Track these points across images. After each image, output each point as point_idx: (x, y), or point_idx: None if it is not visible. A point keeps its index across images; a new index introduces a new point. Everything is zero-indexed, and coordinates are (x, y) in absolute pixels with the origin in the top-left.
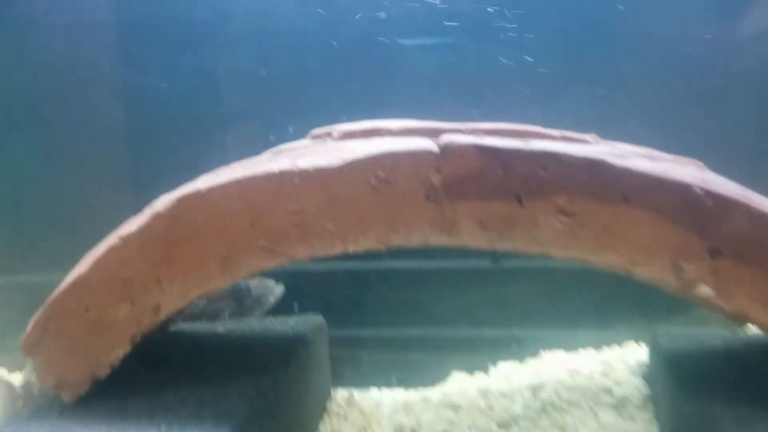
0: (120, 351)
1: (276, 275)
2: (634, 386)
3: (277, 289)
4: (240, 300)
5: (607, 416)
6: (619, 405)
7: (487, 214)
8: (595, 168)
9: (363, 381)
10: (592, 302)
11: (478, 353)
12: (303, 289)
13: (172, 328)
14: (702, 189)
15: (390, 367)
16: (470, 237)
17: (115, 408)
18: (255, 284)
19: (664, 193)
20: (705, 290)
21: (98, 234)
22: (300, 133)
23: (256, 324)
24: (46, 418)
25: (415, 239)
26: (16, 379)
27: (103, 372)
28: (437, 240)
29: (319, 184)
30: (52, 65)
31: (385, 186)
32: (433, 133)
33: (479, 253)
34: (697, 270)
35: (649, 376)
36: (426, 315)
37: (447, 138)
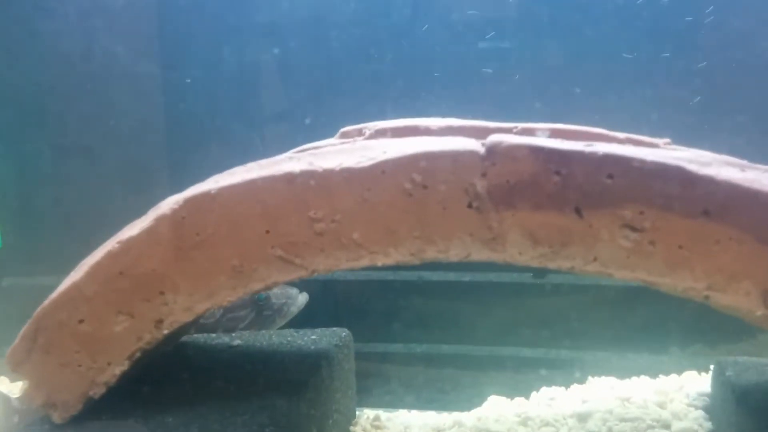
0: (117, 369)
1: (300, 283)
2: (694, 420)
3: (300, 298)
4: (259, 310)
5: None
6: None
7: (539, 226)
8: (671, 176)
9: (392, 401)
10: (646, 323)
11: (518, 376)
12: (329, 299)
13: (185, 338)
14: None
15: (422, 387)
16: (519, 252)
17: (109, 430)
18: (276, 293)
19: (755, 207)
20: None
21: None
22: (330, 131)
23: (275, 337)
24: None
25: (454, 253)
26: (17, 389)
27: (98, 391)
28: (480, 255)
29: (345, 187)
30: (64, 56)
31: (421, 191)
32: (479, 133)
33: (522, 266)
34: None
35: (712, 409)
36: (463, 331)
37: (495, 138)
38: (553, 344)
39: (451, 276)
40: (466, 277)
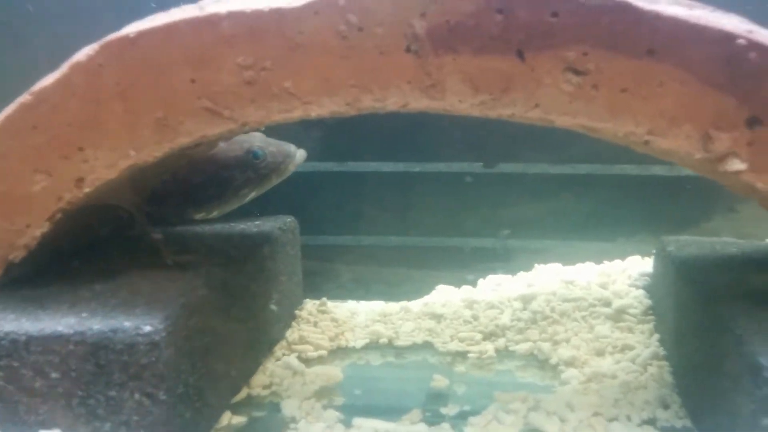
0: (36, 230)
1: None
2: (634, 298)
3: (298, 155)
4: (255, 168)
5: (603, 328)
6: (617, 317)
7: (480, 71)
8: (617, 12)
9: (340, 294)
10: (593, 214)
11: (466, 265)
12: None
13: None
14: (747, 40)
15: (370, 281)
16: (458, 100)
17: (33, 296)
18: (272, 150)
19: (701, 45)
20: (736, 164)
21: None
22: None
23: (217, 223)
24: None
25: (392, 102)
26: None
27: (18, 254)
28: (418, 104)
29: (275, 29)
30: None
31: (356, 34)
32: None
33: (471, 157)
34: (730, 140)
35: (652, 286)
36: (411, 223)
37: None
38: (500, 234)
39: (400, 167)
40: (416, 167)
